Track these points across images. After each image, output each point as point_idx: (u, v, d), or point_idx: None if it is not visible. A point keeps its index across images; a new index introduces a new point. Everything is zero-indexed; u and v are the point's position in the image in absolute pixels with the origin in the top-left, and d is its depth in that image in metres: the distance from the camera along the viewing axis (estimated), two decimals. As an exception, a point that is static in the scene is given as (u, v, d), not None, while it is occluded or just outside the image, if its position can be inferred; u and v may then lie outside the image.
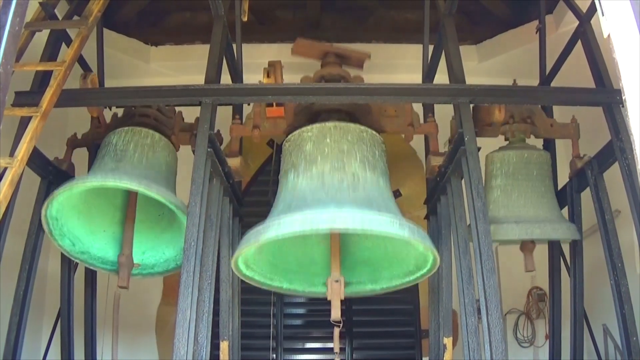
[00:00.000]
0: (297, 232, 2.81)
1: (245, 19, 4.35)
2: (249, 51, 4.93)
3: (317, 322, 5.53)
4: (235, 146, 3.93)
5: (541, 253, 4.11)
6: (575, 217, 3.91)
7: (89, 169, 3.91)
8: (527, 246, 3.73)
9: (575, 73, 4.02)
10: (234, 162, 3.74)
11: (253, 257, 3.21)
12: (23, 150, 2.83)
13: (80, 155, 4.16)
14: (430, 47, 4.37)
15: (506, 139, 4.07)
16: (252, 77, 4.04)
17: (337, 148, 3.39)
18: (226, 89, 3.64)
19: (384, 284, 3.45)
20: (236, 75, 4.41)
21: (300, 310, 5.76)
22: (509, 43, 5.93)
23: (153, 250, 3.83)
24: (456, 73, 3.59)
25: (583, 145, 3.97)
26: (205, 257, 3.17)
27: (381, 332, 5.67)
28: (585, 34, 3.90)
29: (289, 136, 3.62)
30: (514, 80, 4.10)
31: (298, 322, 5.79)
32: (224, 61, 4.06)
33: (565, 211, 4.00)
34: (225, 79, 4.11)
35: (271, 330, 5.28)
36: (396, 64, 5.95)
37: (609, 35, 1.86)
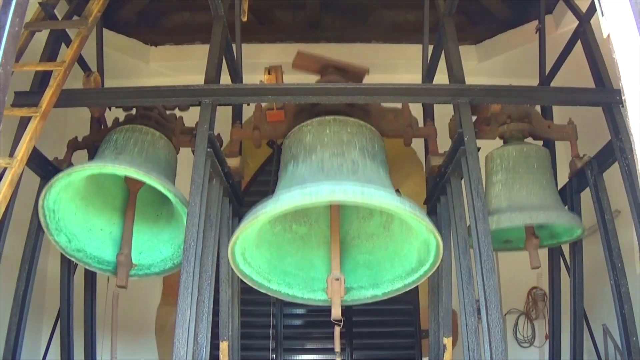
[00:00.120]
0: (296, 204, 2.76)
1: (244, 19, 4.34)
2: (249, 51, 4.93)
3: (316, 322, 5.53)
4: (235, 147, 3.94)
5: (541, 253, 4.09)
6: (575, 217, 3.91)
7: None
8: (531, 242, 3.71)
9: (575, 73, 4.02)
10: (233, 162, 3.74)
11: (251, 250, 3.15)
12: (23, 150, 2.83)
13: (80, 156, 4.16)
14: (430, 47, 4.36)
15: (505, 142, 4.06)
16: (252, 77, 4.04)
17: (337, 138, 3.39)
18: (226, 89, 3.64)
19: (385, 287, 3.35)
20: (236, 75, 4.41)
21: (300, 310, 5.75)
22: (509, 43, 5.93)
23: (150, 250, 3.81)
24: (456, 73, 3.59)
25: (583, 145, 3.97)
26: (205, 257, 3.17)
27: (381, 332, 5.68)
28: (585, 34, 3.91)
29: (289, 132, 3.63)
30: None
31: (298, 322, 5.80)
32: (224, 61, 4.06)
33: (565, 211, 4.00)
34: (225, 79, 4.11)
35: (271, 330, 5.27)
36: (396, 64, 5.96)
37: (608, 36, 1.86)
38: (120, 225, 3.74)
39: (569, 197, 3.99)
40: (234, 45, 4.38)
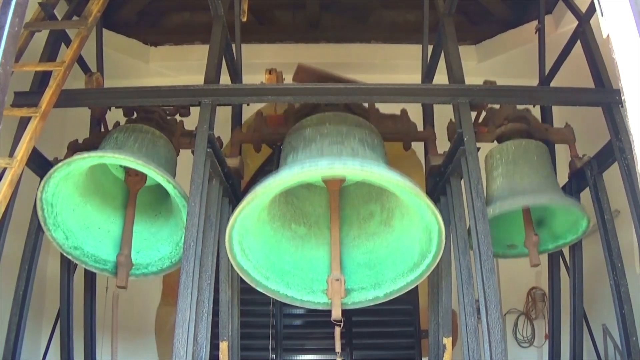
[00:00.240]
0: (295, 177, 2.74)
1: (244, 19, 4.35)
2: (249, 51, 4.93)
3: (316, 322, 5.53)
4: (235, 149, 3.94)
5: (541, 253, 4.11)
6: (574, 217, 3.91)
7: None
8: (531, 240, 3.70)
9: (575, 73, 4.02)
10: (233, 163, 3.74)
11: (249, 241, 3.11)
12: (22, 150, 2.83)
13: (80, 156, 4.16)
14: (430, 47, 4.37)
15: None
16: (252, 77, 4.04)
17: (336, 130, 3.39)
18: (226, 89, 3.64)
19: (387, 287, 3.28)
20: (236, 75, 4.41)
21: (300, 310, 5.74)
22: (509, 43, 5.93)
23: (148, 249, 3.80)
24: (455, 73, 3.59)
25: (582, 146, 3.97)
26: (205, 258, 3.17)
27: (381, 332, 5.68)
28: (585, 34, 3.91)
29: (290, 130, 3.63)
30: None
31: (298, 322, 5.80)
32: (224, 61, 4.06)
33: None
34: (225, 79, 4.12)
35: (270, 330, 5.27)
36: (396, 64, 5.97)
37: (608, 36, 1.86)
38: (119, 224, 3.73)
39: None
40: (233, 46, 4.38)
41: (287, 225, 3.52)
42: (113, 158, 3.33)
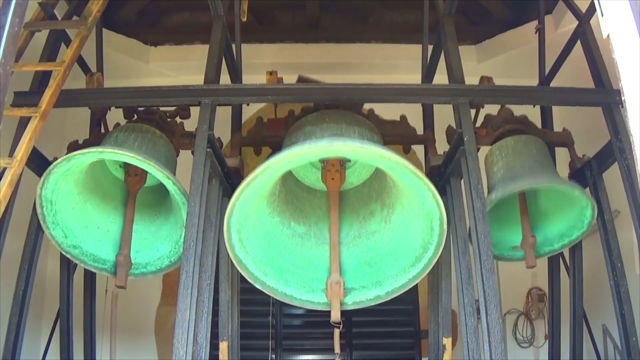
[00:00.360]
0: (295, 156, 2.73)
1: (244, 19, 4.35)
2: (249, 51, 4.93)
3: (316, 322, 5.52)
4: (235, 151, 3.94)
5: (541, 253, 4.11)
6: (574, 217, 3.90)
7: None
8: (527, 241, 3.70)
9: (575, 73, 4.02)
10: (233, 163, 3.74)
11: (247, 231, 3.10)
12: (22, 150, 2.83)
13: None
14: (430, 47, 4.37)
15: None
16: (252, 77, 4.04)
17: (336, 125, 3.41)
18: (225, 89, 3.64)
19: (389, 285, 3.26)
20: (235, 75, 4.41)
21: (300, 310, 5.74)
22: (509, 43, 5.94)
23: (147, 248, 3.80)
24: (455, 73, 3.59)
25: (582, 146, 3.97)
26: (205, 258, 3.17)
27: (381, 332, 5.68)
28: (585, 34, 3.91)
29: (290, 130, 3.64)
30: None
31: (297, 322, 5.79)
32: (224, 61, 4.06)
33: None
34: (225, 79, 4.11)
35: (270, 330, 5.28)
36: (395, 64, 5.97)
37: (608, 36, 1.86)
38: (118, 224, 3.73)
39: (568, 197, 3.98)
40: (233, 46, 4.38)
41: (286, 223, 3.52)
42: (113, 154, 3.33)
